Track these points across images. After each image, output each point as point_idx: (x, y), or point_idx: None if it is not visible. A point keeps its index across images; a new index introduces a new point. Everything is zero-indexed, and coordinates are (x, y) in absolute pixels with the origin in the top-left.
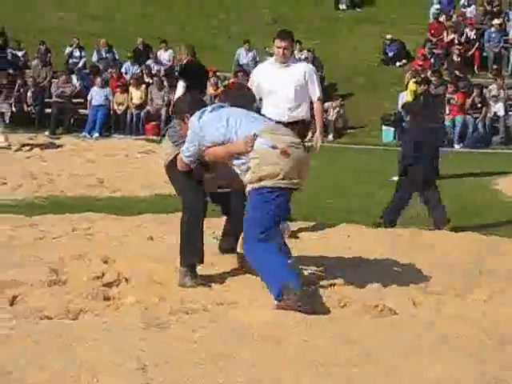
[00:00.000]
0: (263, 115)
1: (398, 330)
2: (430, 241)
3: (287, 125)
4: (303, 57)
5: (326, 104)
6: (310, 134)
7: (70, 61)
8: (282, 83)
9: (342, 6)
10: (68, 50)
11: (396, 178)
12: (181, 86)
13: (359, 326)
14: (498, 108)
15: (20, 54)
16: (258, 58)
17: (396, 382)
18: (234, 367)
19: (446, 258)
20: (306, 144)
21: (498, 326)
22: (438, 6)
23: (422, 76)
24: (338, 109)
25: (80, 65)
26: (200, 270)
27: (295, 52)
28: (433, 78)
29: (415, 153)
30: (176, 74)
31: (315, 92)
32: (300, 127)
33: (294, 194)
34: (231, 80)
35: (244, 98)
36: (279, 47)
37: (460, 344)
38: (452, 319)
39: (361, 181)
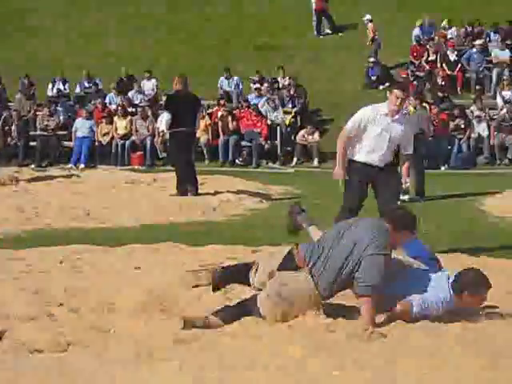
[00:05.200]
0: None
1: None
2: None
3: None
4: (286, 83)
5: (303, 130)
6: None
7: (54, 93)
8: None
9: (324, 32)
10: (52, 82)
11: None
12: (165, 118)
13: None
14: (482, 128)
15: None
16: (241, 86)
17: None
18: None
19: None
20: None
21: None
22: (419, 29)
23: None
24: (312, 136)
25: (64, 97)
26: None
27: (279, 78)
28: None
29: None
30: (161, 103)
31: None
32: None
33: None
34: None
35: None
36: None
37: None
38: None
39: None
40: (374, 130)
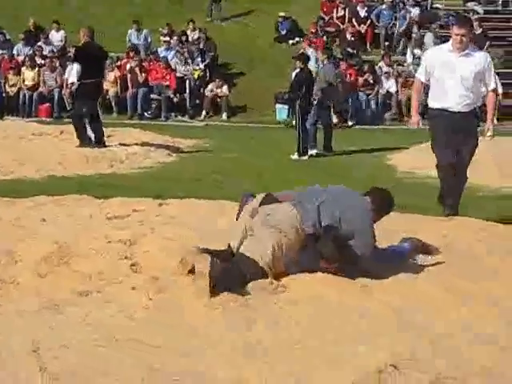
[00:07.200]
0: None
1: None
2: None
3: (458, 114)
4: (196, 36)
5: (212, 84)
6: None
7: None
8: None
9: None
10: None
11: (295, 157)
12: (75, 69)
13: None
14: (390, 85)
15: None
16: (149, 39)
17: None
18: (132, 350)
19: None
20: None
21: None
22: None
23: (300, 52)
24: (221, 89)
25: None
26: None
27: (188, 32)
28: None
29: None
30: (69, 55)
31: (491, 83)
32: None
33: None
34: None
35: None
36: (457, 34)
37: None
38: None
39: (263, 160)
40: (443, 70)
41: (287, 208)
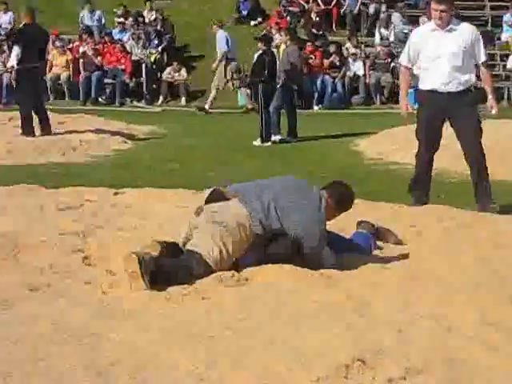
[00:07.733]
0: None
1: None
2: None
3: (447, 94)
4: (153, 17)
5: (170, 67)
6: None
7: None
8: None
9: None
10: None
11: (257, 143)
12: (15, 52)
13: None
14: (358, 67)
15: None
16: (103, 20)
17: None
18: (86, 345)
19: None
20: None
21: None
22: None
23: (263, 34)
24: (178, 73)
25: None
26: None
27: (145, 13)
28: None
29: None
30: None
31: (481, 55)
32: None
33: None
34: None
35: None
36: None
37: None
38: None
39: (224, 147)
40: (429, 50)
41: (234, 206)
